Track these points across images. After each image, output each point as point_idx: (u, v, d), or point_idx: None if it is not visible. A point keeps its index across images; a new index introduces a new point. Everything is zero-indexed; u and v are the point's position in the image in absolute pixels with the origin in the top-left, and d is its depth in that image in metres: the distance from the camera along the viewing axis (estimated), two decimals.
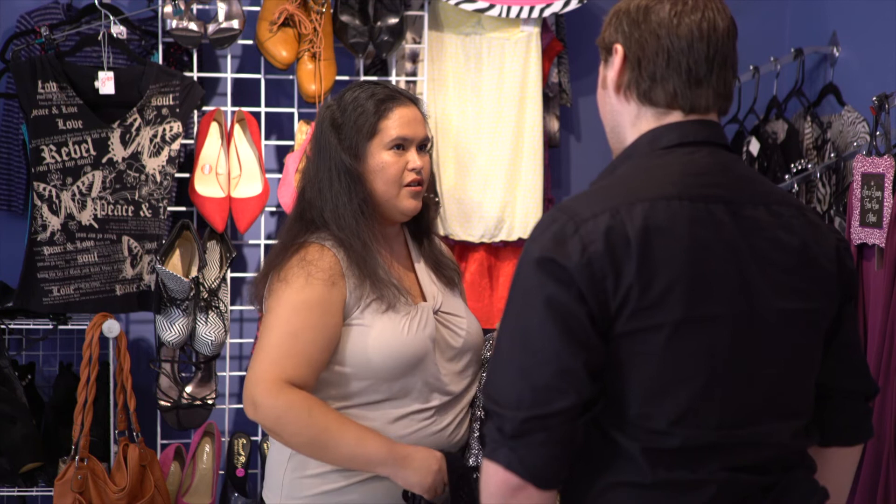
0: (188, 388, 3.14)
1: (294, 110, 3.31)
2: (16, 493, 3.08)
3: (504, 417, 1.48)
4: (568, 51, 3.55)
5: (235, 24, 3.13)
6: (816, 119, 3.33)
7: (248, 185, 3.20)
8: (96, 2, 3.06)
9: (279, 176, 3.26)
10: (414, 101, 2.24)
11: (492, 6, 3.28)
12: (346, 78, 3.25)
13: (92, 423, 2.92)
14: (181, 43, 3.10)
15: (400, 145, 2.18)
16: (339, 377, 2.13)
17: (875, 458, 2.70)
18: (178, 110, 3.08)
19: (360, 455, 2.05)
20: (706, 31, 1.58)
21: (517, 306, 1.52)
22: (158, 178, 3.08)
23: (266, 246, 3.32)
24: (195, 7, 3.12)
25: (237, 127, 3.23)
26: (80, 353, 2.98)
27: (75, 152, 3.01)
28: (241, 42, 3.22)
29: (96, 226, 3.04)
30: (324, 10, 3.18)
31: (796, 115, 3.41)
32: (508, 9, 3.29)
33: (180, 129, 3.09)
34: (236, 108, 3.24)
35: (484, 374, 2.23)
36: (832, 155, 3.14)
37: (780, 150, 3.30)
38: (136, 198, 3.06)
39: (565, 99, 3.55)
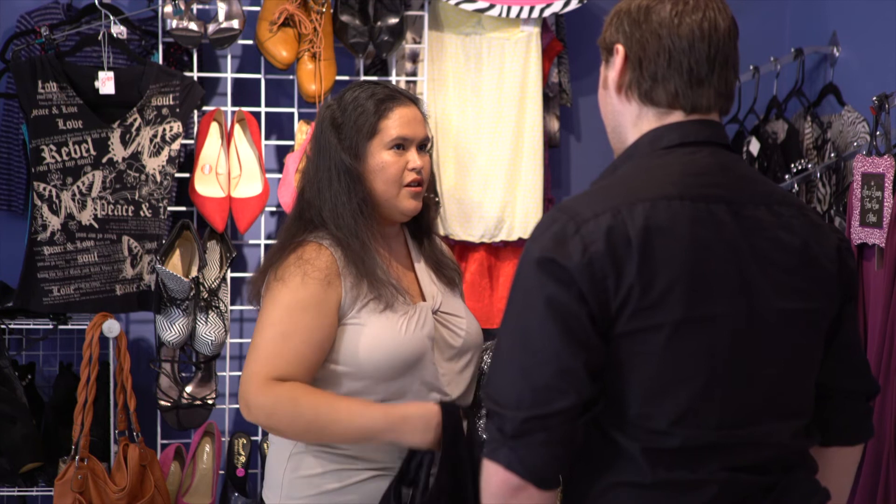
0: (188, 388, 3.14)
1: (294, 110, 3.31)
2: (16, 493, 3.08)
3: (504, 417, 1.48)
4: (568, 51, 3.55)
5: (235, 24, 3.13)
6: (816, 119, 3.33)
7: (248, 185, 3.20)
8: (96, 2, 3.06)
9: (279, 176, 3.26)
10: (414, 100, 2.24)
11: (492, 6, 3.28)
12: (346, 78, 3.25)
13: (92, 423, 2.92)
14: (181, 43, 3.10)
15: (400, 145, 2.18)
16: (334, 376, 2.12)
17: (875, 458, 2.70)
18: (178, 110, 3.08)
19: (356, 430, 2.04)
20: (707, 30, 1.58)
21: (518, 306, 1.52)
22: (158, 178, 3.08)
23: (266, 246, 3.32)
24: (195, 7, 3.12)
25: (237, 127, 3.23)
26: (80, 353, 2.98)
27: (75, 152, 3.01)
28: (241, 42, 3.22)
29: (96, 226, 3.04)
30: (324, 10, 3.18)
31: (796, 115, 3.41)
32: (508, 9, 3.29)
33: (180, 129, 3.09)
34: (236, 108, 3.24)
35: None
36: (832, 155, 3.14)
37: (780, 150, 3.30)
38: (136, 198, 3.06)
39: (565, 99, 3.55)
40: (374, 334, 2.11)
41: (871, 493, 2.71)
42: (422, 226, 2.31)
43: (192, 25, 3.08)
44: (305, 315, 2.08)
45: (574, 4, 3.32)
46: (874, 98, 2.88)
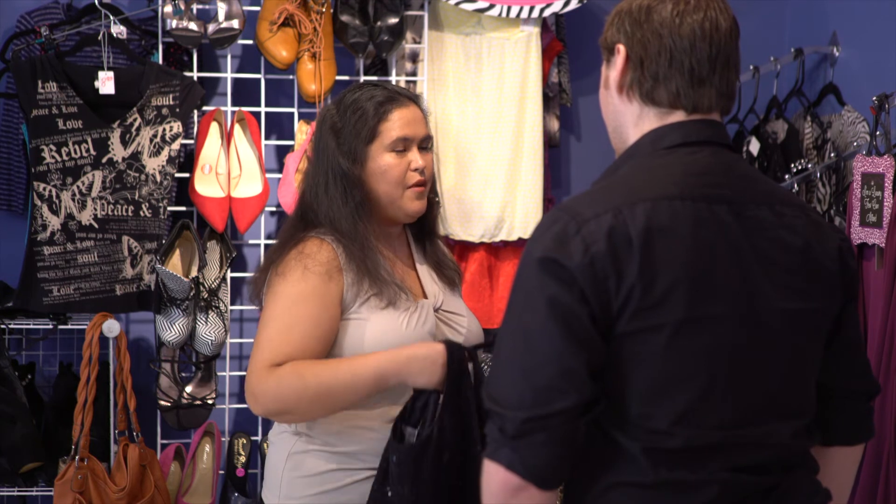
0: (188, 388, 3.14)
1: (294, 110, 3.31)
2: (16, 493, 3.08)
3: (505, 417, 1.48)
4: (568, 51, 3.55)
5: (235, 23, 3.13)
6: (816, 119, 3.33)
7: (248, 184, 3.19)
8: (96, 2, 3.06)
9: (279, 176, 3.26)
10: (413, 99, 2.24)
11: (492, 6, 3.28)
12: (346, 78, 3.25)
13: (92, 423, 2.92)
14: (181, 43, 3.10)
15: (401, 146, 2.18)
16: None
17: (875, 458, 2.70)
18: (178, 110, 3.08)
19: (364, 382, 2.02)
20: (708, 30, 1.58)
21: (519, 306, 1.52)
22: (158, 178, 3.08)
23: (266, 246, 3.32)
24: (195, 7, 3.12)
25: (237, 127, 3.23)
26: (80, 353, 2.98)
27: (75, 152, 3.01)
28: (241, 42, 3.22)
29: (96, 226, 3.04)
30: (324, 9, 3.17)
31: (796, 115, 3.41)
32: (508, 9, 3.29)
33: (180, 129, 3.09)
34: (236, 108, 3.24)
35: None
36: (832, 155, 3.14)
37: (780, 149, 3.30)
38: (136, 198, 3.06)
39: (565, 99, 3.55)
40: (378, 328, 2.11)
41: (871, 493, 2.71)
42: (425, 228, 2.31)
43: (192, 25, 3.08)
44: (307, 306, 2.08)
45: (574, 4, 3.32)
46: (874, 98, 2.88)
